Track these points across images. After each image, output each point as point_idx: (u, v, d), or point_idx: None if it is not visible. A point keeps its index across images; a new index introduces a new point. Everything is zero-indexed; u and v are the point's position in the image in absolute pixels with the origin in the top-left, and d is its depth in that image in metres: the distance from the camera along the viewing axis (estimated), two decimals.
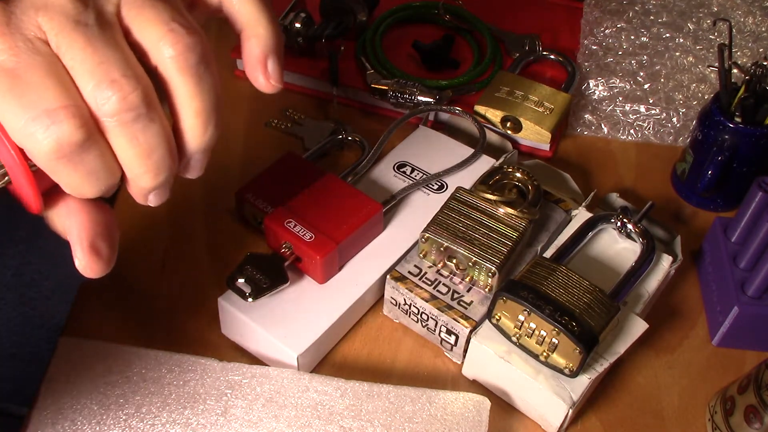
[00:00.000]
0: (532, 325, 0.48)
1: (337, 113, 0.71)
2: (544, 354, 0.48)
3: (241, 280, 0.51)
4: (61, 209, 0.36)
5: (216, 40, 0.73)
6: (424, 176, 0.61)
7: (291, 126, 0.69)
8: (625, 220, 0.55)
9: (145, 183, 0.34)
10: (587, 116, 0.72)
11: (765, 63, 0.59)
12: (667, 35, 0.77)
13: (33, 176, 0.34)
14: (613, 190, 0.62)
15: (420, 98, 0.68)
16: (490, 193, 0.55)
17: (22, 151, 0.32)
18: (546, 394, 0.48)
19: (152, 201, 0.36)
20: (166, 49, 0.33)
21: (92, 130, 0.32)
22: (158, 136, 0.33)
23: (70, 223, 0.36)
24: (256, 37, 0.37)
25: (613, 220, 0.55)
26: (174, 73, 0.33)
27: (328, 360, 0.54)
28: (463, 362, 0.53)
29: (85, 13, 0.32)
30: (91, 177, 0.33)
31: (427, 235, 0.53)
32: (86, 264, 0.36)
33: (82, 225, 0.36)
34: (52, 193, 0.35)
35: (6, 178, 0.34)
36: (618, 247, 0.56)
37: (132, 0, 0.33)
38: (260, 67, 0.37)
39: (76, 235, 0.36)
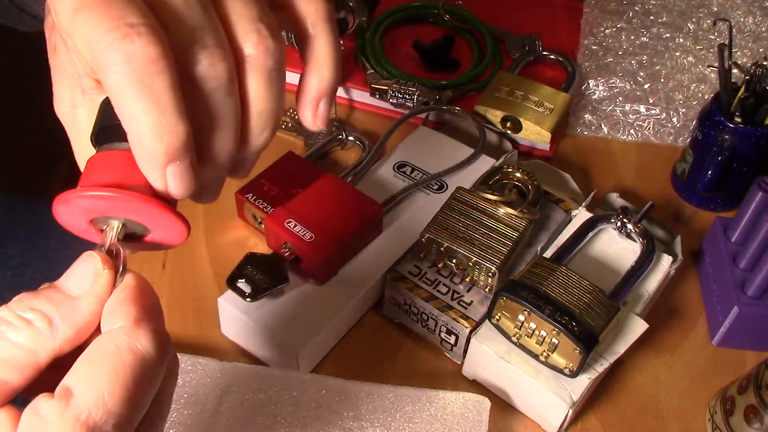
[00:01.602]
0: (532, 325, 0.48)
1: (337, 113, 0.71)
2: (544, 354, 0.48)
3: (241, 280, 0.51)
4: None
5: None
6: (424, 176, 0.61)
7: (291, 126, 0.69)
8: (625, 220, 0.55)
9: (227, 149, 0.34)
10: (587, 116, 0.72)
11: (765, 63, 0.59)
12: (667, 35, 0.77)
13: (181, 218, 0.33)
14: (613, 190, 0.62)
15: (420, 98, 0.68)
16: (490, 193, 0.55)
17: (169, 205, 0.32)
18: (546, 394, 0.48)
19: (206, 199, 0.36)
20: (248, 47, 0.33)
21: (167, 48, 0.30)
22: (235, 106, 0.33)
23: None
24: (318, 77, 0.37)
25: (613, 220, 0.55)
26: (249, 71, 0.33)
27: (328, 360, 0.54)
28: (463, 362, 0.53)
29: None
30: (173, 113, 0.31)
31: (427, 235, 0.53)
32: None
33: None
34: None
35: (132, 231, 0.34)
36: (618, 247, 0.56)
37: None
38: (312, 107, 0.38)
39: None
